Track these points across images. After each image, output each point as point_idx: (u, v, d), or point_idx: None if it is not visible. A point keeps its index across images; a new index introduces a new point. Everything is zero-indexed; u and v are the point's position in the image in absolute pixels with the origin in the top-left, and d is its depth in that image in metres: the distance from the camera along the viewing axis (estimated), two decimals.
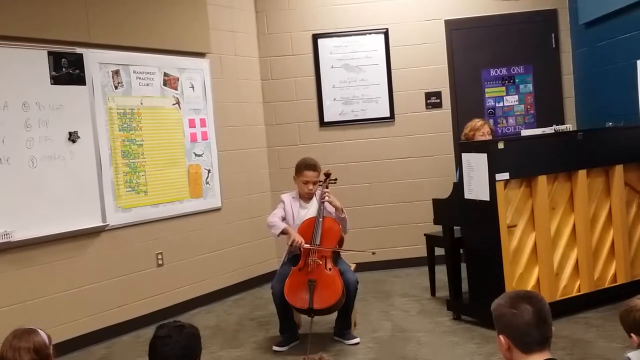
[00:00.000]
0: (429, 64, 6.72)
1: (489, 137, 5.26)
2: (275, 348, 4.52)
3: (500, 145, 4.46)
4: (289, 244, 4.52)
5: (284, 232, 4.56)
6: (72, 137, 4.85)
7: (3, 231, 4.35)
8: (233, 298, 6.10)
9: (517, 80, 6.78)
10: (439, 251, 5.37)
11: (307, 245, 4.46)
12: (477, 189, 4.52)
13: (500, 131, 6.68)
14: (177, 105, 5.72)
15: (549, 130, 4.92)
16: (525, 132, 5.08)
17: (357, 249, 4.81)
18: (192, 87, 5.86)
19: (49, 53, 4.72)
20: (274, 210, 4.84)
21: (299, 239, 4.46)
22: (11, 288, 4.46)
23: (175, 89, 5.71)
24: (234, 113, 6.39)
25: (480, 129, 5.28)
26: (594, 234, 4.85)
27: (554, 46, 6.72)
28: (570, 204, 4.77)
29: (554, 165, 4.67)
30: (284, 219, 4.69)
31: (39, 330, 2.35)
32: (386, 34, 6.72)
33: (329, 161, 6.27)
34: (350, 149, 6.76)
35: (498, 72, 6.77)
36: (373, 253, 4.71)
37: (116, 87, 5.22)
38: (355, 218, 5.74)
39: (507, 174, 4.44)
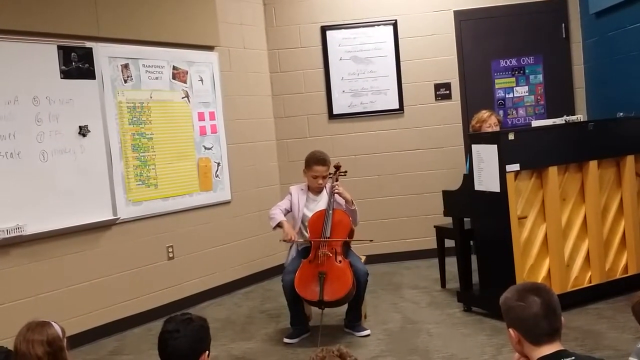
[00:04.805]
0: (438, 55, 6.69)
1: (496, 129, 5.24)
2: (285, 340, 4.54)
3: (511, 136, 4.44)
4: (282, 239, 4.59)
5: (279, 226, 4.59)
6: (83, 131, 4.87)
7: (15, 225, 4.37)
8: (243, 291, 6.11)
9: (527, 71, 6.74)
10: (449, 243, 5.36)
11: (300, 241, 4.57)
12: (487, 180, 4.51)
13: (510, 122, 6.65)
14: (186, 98, 5.73)
15: (559, 121, 4.89)
16: (535, 123, 5.05)
17: (357, 239, 4.75)
18: (201, 80, 5.87)
19: (59, 47, 4.73)
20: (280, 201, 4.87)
21: (292, 235, 4.52)
22: (23, 281, 4.49)
23: (185, 82, 5.72)
24: (243, 106, 6.39)
25: (487, 120, 5.26)
26: (605, 224, 4.83)
27: (564, 36, 6.67)
28: (581, 194, 4.75)
29: (564, 156, 4.65)
30: (288, 211, 4.70)
31: (52, 322, 2.36)
32: (395, 25, 6.69)
33: (338, 153, 6.27)
34: (359, 142, 6.75)
35: (508, 62, 6.73)
36: (370, 241, 4.72)
37: (125, 81, 5.24)
38: (365, 210, 5.73)
39: (518, 165, 4.42)
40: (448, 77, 6.72)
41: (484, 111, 5.40)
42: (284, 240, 4.60)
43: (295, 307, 4.55)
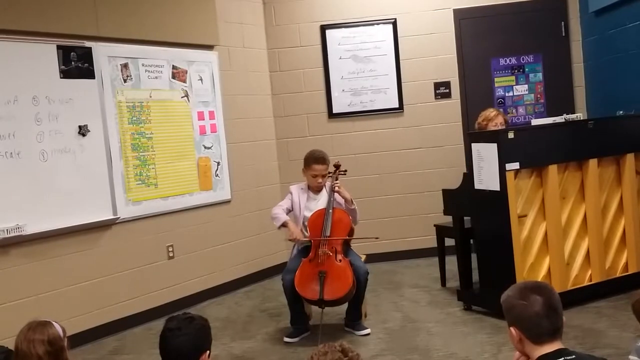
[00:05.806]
0: (437, 54, 6.69)
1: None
2: (286, 339, 4.54)
3: (510, 135, 4.44)
4: (287, 238, 4.59)
5: (284, 225, 4.60)
6: (82, 130, 4.87)
7: (15, 225, 4.37)
8: (243, 290, 6.12)
9: (526, 70, 6.74)
10: (449, 242, 5.36)
11: (305, 239, 4.55)
12: (487, 179, 4.50)
13: (510, 121, 6.63)
14: (185, 97, 5.73)
15: (559, 119, 4.89)
16: (535, 122, 5.05)
17: (363, 237, 4.78)
18: (201, 79, 5.87)
19: (58, 47, 4.73)
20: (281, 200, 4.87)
21: (298, 234, 4.53)
22: (24, 281, 4.49)
23: (184, 81, 5.72)
24: (243, 105, 6.39)
25: (493, 119, 5.21)
26: (605, 223, 4.83)
27: (563, 34, 6.67)
28: (581, 193, 4.75)
29: (564, 154, 4.65)
30: (290, 210, 4.71)
31: (53, 322, 2.37)
32: (394, 24, 6.69)
33: (338, 152, 6.26)
34: (359, 140, 6.75)
35: (507, 61, 6.73)
36: (376, 238, 4.73)
37: (125, 81, 5.23)
38: (365, 209, 5.73)
39: (518, 163, 4.42)
40: (448, 75, 6.71)
41: (491, 109, 5.34)
42: (290, 240, 4.61)
43: (295, 306, 4.55)
